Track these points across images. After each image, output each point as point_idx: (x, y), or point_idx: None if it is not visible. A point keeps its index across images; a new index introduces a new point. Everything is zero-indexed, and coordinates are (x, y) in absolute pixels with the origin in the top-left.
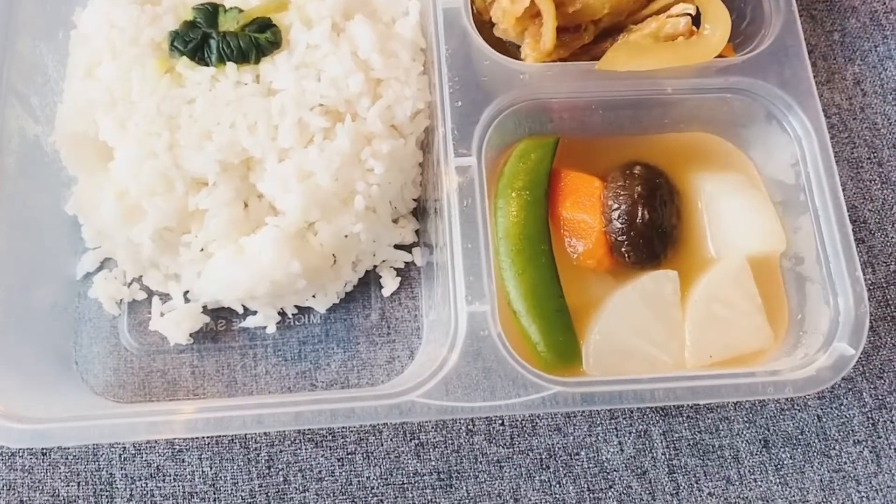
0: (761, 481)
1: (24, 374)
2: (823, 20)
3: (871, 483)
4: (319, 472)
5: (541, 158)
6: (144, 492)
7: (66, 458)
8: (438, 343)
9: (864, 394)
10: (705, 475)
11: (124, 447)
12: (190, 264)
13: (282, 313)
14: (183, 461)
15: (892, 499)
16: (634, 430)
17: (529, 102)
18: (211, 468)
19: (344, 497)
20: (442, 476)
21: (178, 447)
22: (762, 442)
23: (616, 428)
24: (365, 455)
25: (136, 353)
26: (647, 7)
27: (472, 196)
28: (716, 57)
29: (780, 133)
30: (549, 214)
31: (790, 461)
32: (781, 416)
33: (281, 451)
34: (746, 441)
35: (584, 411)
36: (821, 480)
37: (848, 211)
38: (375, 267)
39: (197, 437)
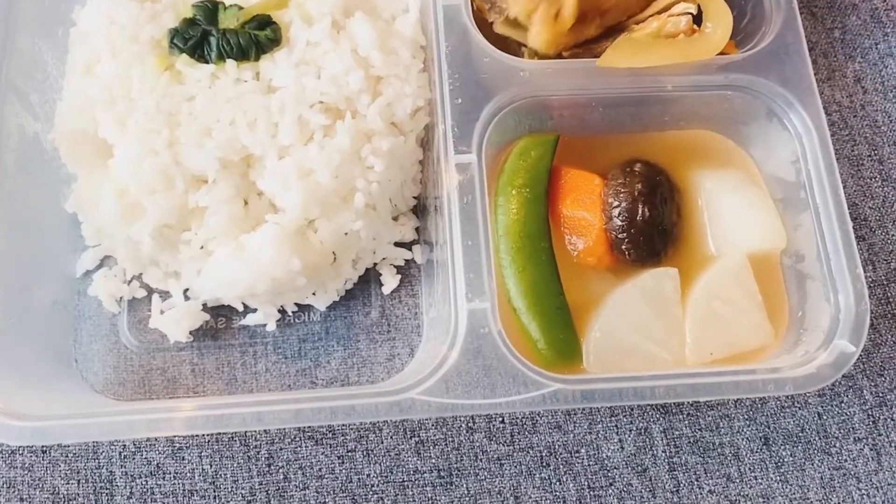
0: (762, 479)
1: (24, 372)
2: (824, 17)
3: (871, 481)
4: (320, 469)
5: (541, 156)
6: (144, 489)
7: (66, 456)
8: (439, 340)
9: (865, 391)
10: (706, 473)
11: (124, 445)
12: (190, 262)
13: (282, 311)
14: (183, 459)
15: (893, 496)
16: (635, 428)
17: (530, 100)
18: (211, 466)
19: (344, 495)
20: (442, 474)
21: (178, 445)
22: (762, 439)
23: (616, 425)
24: (365, 453)
25: (136, 351)
26: (648, 6)
27: (473, 193)
28: (717, 54)
29: (780, 130)
30: (549, 212)
31: (790, 459)
32: (782, 414)
33: (281, 449)
34: (747, 438)
35: (584, 409)
36: (821, 478)
37: (848, 208)
38: (375, 264)
39: (197, 435)
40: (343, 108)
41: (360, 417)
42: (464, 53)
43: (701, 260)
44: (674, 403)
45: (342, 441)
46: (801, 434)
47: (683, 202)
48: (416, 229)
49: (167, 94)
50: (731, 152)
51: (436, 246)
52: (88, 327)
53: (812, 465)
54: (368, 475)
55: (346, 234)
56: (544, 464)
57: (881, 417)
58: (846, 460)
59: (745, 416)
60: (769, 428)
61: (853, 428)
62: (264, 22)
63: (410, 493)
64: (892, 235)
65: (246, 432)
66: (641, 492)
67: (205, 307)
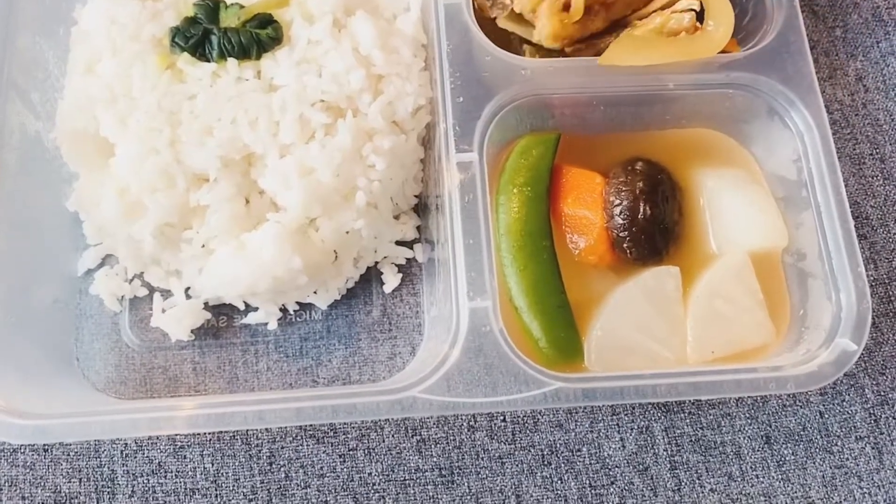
0: (763, 477)
1: (26, 371)
2: (825, 16)
3: (872, 479)
4: (321, 468)
5: (542, 154)
6: (146, 488)
7: (68, 455)
8: (440, 339)
9: (867, 390)
10: (707, 471)
11: (126, 443)
12: (191, 260)
13: (283, 310)
14: (184, 457)
15: (895, 495)
16: (636, 426)
17: (531, 98)
18: (212, 464)
19: (345, 493)
20: (444, 472)
21: (179, 444)
22: (764, 438)
23: (618, 424)
24: (366, 451)
25: (138, 350)
26: (653, 1)
27: (474, 192)
28: (719, 52)
29: (782, 129)
30: (550, 211)
31: (792, 457)
32: (783, 412)
33: (282, 448)
34: (748, 437)
35: (585, 407)
36: (823, 477)
37: (850, 207)
38: (377, 263)
39: (198, 434)
40: (344, 107)
41: (362, 416)
42: (465, 52)
43: (702, 258)
44: (675, 402)
45: (343, 440)
46: (802, 432)
47: (685, 201)
48: (418, 228)
49: (168, 93)
50: (733, 151)
51: (437, 245)
52: (90, 326)
53: (814, 463)
54: (370, 474)
55: (347, 232)
56: (546, 462)
57: (883, 416)
58: (848, 459)
59: (747, 415)
60: (771, 426)
61: (855, 426)
62: (265, 20)
63: (412, 491)
64: (894, 234)
65: (247, 431)
66: (643, 490)
67: (206, 306)
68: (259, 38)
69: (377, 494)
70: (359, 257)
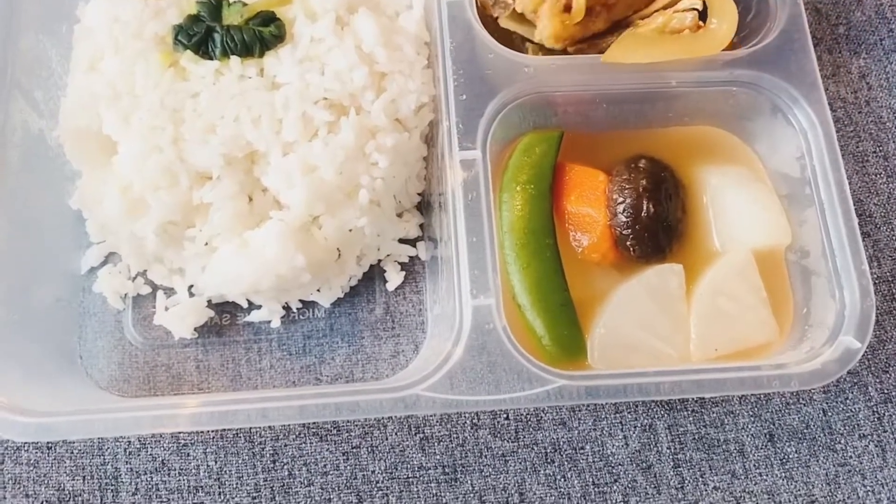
0: (766, 475)
1: (29, 369)
2: (829, 13)
3: (876, 477)
4: (324, 465)
5: (545, 152)
6: (150, 486)
7: (72, 453)
8: (443, 337)
9: (870, 388)
10: (710, 469)
11: (129, 441)
12: (194, 258)
13: (286, 307)
14: (188, 455)
15: None
16: (639, 424)
17: (534, 96)
18: (216, 462)
19: (349, 491)
20: (447, 470)
21: (182, 441)
22: (767, 436)
23: (621, 422)
24: (370, 449)
25: (141, 348)
26: (654, 1)
27: (477, 190)
28: (722, 50)
29: (785, 126)
30: (553, 208)
31: (795, 455)
32: (787, 410)
33: (286, 445)
34: (751, 435)
35: (588, 405)
36: (826, 474)
37: (853, 205)
38: (380, 261)
39: (202, 432)
40: (347, 105)
41: (365, 414)
42: (468, 50)
43: (706, 256)
44: (678, 400)
45: (347, 437)
46: (805, 430)
47: (688, 198)
48: (421, 226)
49: (171, 91)
50: (736, 148)
51: (440, 243)
52: (93, 324)
53: (817, 461)
54: (373, 472)
55: (350, 230)
56: (549, 460)
57: (886, 414)
58: (851, 457)
59: (750, 413)
60: (774, 424)
61: (858, 424)
62: (268, 18)
63: (415, 489)
64: None
65: (251, 429)
66: (646, 488)
67: (209, 304)
68: (262, 35)
69: (380, 492)
70: (362, 255)
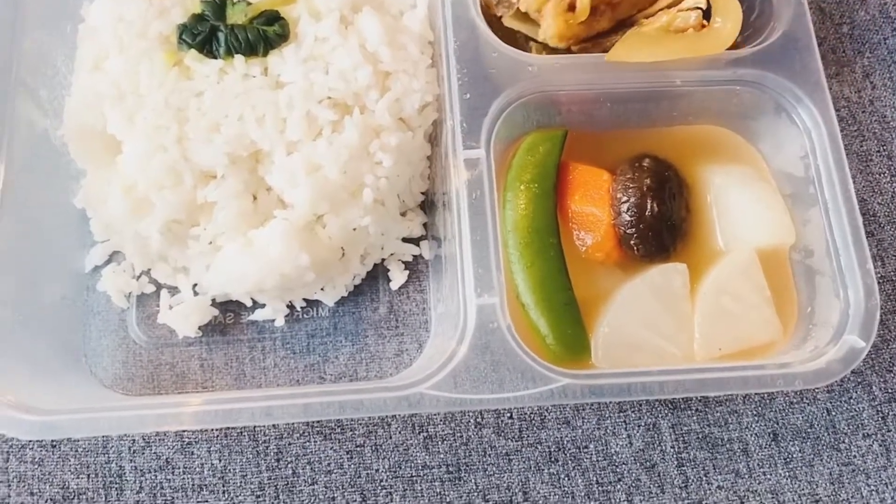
0: (770, 475)
1: (34, 367)
2: (832, 13)
3: (880, 476)
4: (328, 464)
5: (549, 151)
6: (154, 484)
7: (76, 451)
8: (447, 336)
9: (874, 387)
10: (714, 468)
11: (133, 440)
12: (198, 257)
13: (290, 306)
14: (192, 454)
15: None
16: (643, 423)
17: (538, 95)
18: (220, 461)
19: (353, 490)
20: (451, 469)
21: (186, 440)
22: (771, 435)
23: (625, 421)
24: (374, 448)
25: (145, 347)
26: (656, 2)
27: (481, 188)
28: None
29: (789, 125)
30: (557, 207)
31: (799, 455)
32: (790, 410)
33: (290, 444)
34: (755, 434)
35: (592, 404)
36: (830, 474)
37: (857, 204)
38: (383, 260)
39: (206, 430)
40: (351, 104)
41: (369, 412)
42: (472, 49)
43: (709, 255)
44: (682, 399)
45: (351, 436)
46: (809, 430)
47: (692, 197)
48: (424, 225)
49: (175, 90)
50: (740, 147)
51: (444, 241)
52: (97, 323)
53: (821, 460)
54: (377, 470)
55: (354, 229)
56: (553, 459)
57: (890, 413)
58: (855, 456)
59: (754, 412)
60: (778, 424)
61: (862, 424)
62: (272, 17)
63: (419, 488)
64: None
65: (255, 427)
66: (650, 487)
67: (213, 302)
68: (266, 34)
69: (384, 491)
70: (366, 254)
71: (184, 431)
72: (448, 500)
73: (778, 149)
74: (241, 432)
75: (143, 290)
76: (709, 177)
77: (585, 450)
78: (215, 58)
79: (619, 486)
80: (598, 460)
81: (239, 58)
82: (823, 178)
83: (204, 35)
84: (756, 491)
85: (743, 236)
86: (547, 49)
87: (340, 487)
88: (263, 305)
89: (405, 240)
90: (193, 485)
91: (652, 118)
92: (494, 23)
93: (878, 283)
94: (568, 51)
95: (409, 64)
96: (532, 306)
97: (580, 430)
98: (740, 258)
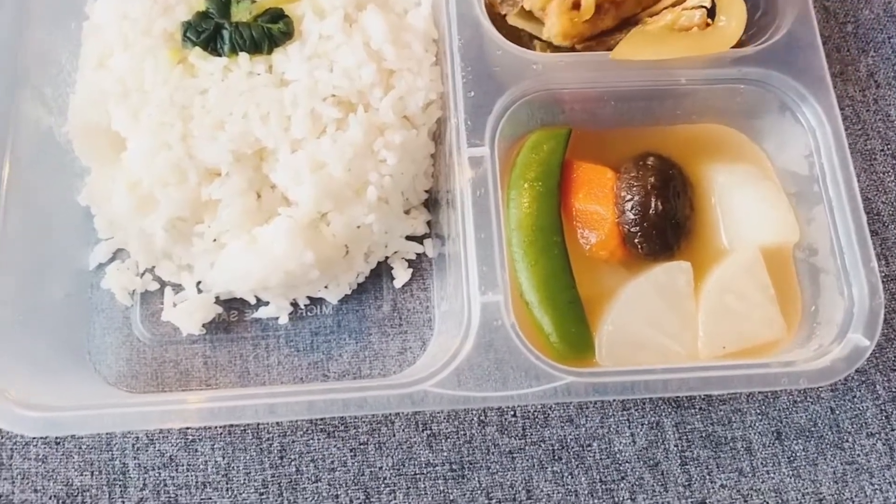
0: (774, 473)
1: (38, 364)
2: (837, 11)
3: (884, 475)
4: (332, 462)
5: (553, 149)
6: (158, 481)
7: (80, 448)
8: (451, 334)
9: (878, 386)
10: (718, 467)
11: (137, 437)
12: (203, 255)
13: (294, 304)
14: (196, 451)
15: None
16: (647, 422)
17: (542, 93)
18: (224, 458)
19: (356, 487)
20: (454, 467)
21: (190, 437)
22: (775, 434)
23: (628, 419)
24: (377, 445)
25: (149, 344)
26: (661, 0)
27: (485, 186)
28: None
29: (793, 124)
30: (561, 206)
31: (803, 453)
32: (794, 408)
33: (293, 442)
34: (759, 433)
35: (596, 402)
36: (834, 472)
37: (861, 203)
38: (387, 258)
39: (210, 427)
40: (355, 102)
41: (373, 409)
42: (476, 47)
43: (714, 254)
44: (686, 397)
45: (354, 434)
46: (813, 429)
47: (696, 196)
48: (428, 223)
49: (180, 88)
50: (744, 146)
51: (447, 240)
52: (101, 320)
53: (825, 459)
54: (381, 468)
55: (358, 227)
56: (556, 457)
57: (894, 412)
58: (859, 455)
59: (758, 411)
60: (782, 422)
61: (866, 423)
62: (277, 15)
63: (422, 485)
64: None
65: (258, 425)
66: (653, 486)
67: (217, 300)
68: (270, 32)
69: (388, 488)
70: (369, 252)
71: (187, 429)
72: (451, 497)
73: (782, 147)
74: (245, 430)
75: (147, 287)
76: (713, 175)
77: (589, 448)
78: (220, 55)
79: (622, 485)
80: (601, 458)
81: (243, 55)
82: (828, 176)
83: (208, 33)
84: (759, 489)
85: (747, 235)
86: (551, 47)
87: (344, 485)
88: (267, 303)
89: (409, 238)
90: (197, 482)
91: (656, 116)
92: (498, 21)
93: (883, 281)
94: (572, 49)
95: (414, 62)
96: (536, 304)
97: (584, 429)
98: (744, 256)
